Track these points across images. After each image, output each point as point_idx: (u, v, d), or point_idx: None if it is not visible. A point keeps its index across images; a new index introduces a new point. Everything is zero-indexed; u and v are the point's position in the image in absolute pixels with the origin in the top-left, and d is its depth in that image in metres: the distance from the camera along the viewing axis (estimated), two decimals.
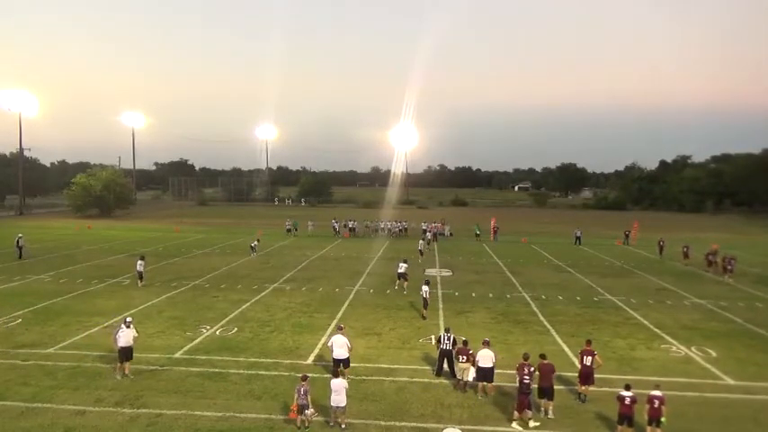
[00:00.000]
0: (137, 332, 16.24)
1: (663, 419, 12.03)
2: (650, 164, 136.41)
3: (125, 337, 15.56)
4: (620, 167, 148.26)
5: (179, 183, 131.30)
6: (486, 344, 15.19)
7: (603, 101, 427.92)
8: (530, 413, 13.03)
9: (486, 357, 14.67)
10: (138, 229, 59.13)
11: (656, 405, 12.06)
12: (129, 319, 16.25)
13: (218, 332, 20.13)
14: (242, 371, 16.16)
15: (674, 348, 18.96)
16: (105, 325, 20.59)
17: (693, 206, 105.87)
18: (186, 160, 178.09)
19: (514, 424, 12.91)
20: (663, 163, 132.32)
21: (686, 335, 20.56)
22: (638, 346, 19.10)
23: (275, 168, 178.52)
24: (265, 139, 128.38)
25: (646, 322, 22.30)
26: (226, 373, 15.91)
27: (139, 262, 28.13)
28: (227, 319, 21.96)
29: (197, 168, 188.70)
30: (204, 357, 17.31)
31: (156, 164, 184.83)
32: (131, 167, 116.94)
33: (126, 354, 15.52)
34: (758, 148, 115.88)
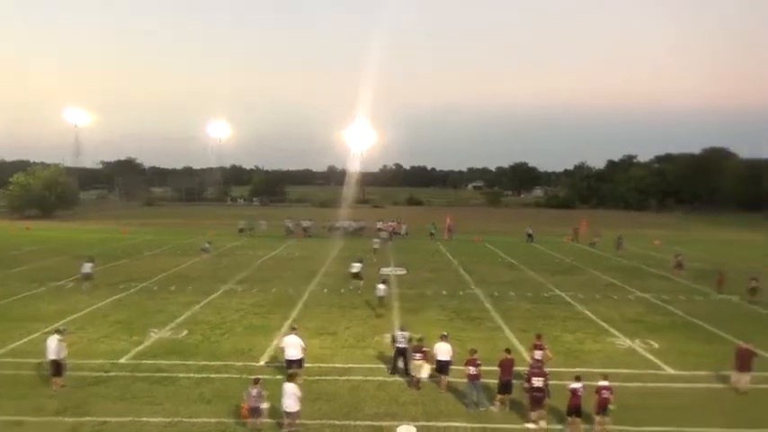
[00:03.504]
0: (65, 348, 14.80)
1: (611, 407, 12.46)
2: (598, 163, 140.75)
3: (54, 349, 14.42)
4: (570, 167, 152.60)
5: (126, 182, 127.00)
6: (444, 338, 15.49)
7: (554, 101, 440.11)
8: (542, 412, 13.00)
9: (443, 350, 14.95)
10: (83, 231, 56.86)
11: (604, 395, 12.47)
12: (61, 329, 15.47)
13: (167, 335, 19.56)
14: (192, 374, 15.75)
15: (620, 341, 19.64)
16: (46, 330, 19.62)
17: (638, 204, 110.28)
18: (134, 159, 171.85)
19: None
20: (610, 162, 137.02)
21: (631, 328, 21.32)
22: (586, 340, 19.69)
23: (228, 167, 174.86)
24: (218, 137, 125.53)
25: (593, 317, 23.00)
26: (175, 378, 15.47)
27: (87, 264, 27.03)
28: (176, 321, 21.37)
29: (145, 167, 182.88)
30: (152, 362, 16.77)
31: (103, 162, 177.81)
32: (75, 166, 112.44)
33: (56, 368, 14.45)
34: (698, 149, 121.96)
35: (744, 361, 15.00)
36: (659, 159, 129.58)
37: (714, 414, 13.65)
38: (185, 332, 19.95)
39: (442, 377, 14.91)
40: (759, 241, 54.33)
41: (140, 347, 18.15)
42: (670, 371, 16.72)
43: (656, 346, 19.08)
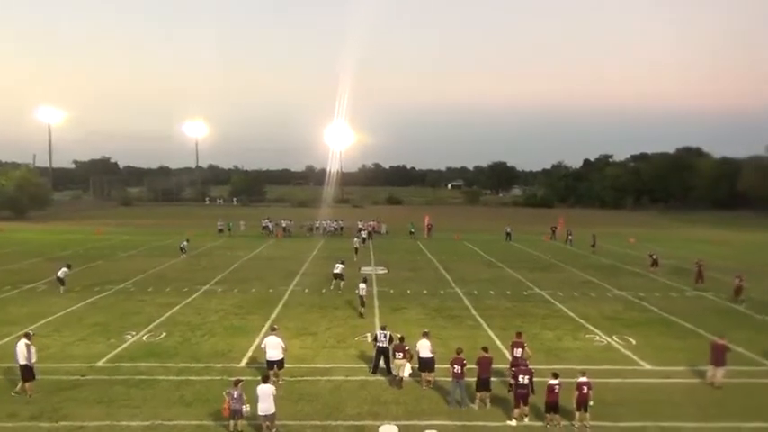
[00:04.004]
0: (34, 352, 14.30)
1: (591, 403, 12.66)
2: (575, 163, 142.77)
3: (21, 352, 13.98)
4: (548, 166, 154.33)
5: (101, 182, 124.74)
6: (426, 335, 15.57)
7: (532, 101, 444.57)
8: (526, 409, 13.15)
9: (425, 347, 15.04)
10: (56, 232, 55.71)
11: (584, 391, 12.64)
12: (30, 332, 15.12)
13: (144, 338, 19.27)
14: (171, 377, 15.54)
15: (598, 338, 19.92)
16: (18, 334, 19.17)
17: (614, 203, 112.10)
18: (109, 158, 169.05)
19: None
20: (587, 162, 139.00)
21: (608, 325, 21.64)
22: (565, 337, 19.93)
23: (206, 167, 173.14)
24: (195, 136, 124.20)
25: (572, 314, 23.29)
26: (153, 380, 15.24)
27: (63, 269, 26.51)
28: (154, 323, 21.06)
29: (121, 167, 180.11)
30: (130, 364, 16.51)
31: (76, 162, 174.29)
32: (48, 166, 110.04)
33: (25, 372, 13.99)
34: (672, 148, 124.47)
35: (718, 356, 15.32)
36: (634, 159, 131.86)
37: (690, 408, 13.92)
38: (164, 334, 19.67)
39: (425, 374, 14.98)
40: (732, 239, 55.60)
41: (118, 350, 17.85)
42: (647, 366, 17.01)
43: (633, 342, 19.39)
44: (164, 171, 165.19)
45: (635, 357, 17.79)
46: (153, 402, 13.79)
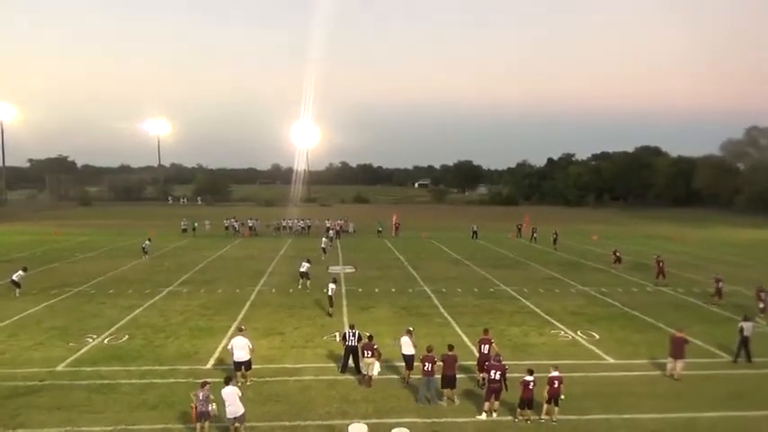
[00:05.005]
0: None
1: (562, 397, 12.94)
2: (539, 161, 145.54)
3: None
4: (513, 165, 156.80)
5: (58, 181, 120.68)
6: (409, 332, 15.70)
7: (497, 101, 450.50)
8: (496, 404, 13.27)
9: (407, 344, 15.23)
10: (11, 233, 53.69)
11: (555, 385, 12.87)
12: None
13: (106, 341, 18.73)
14: (134, 380, 15.15)
15: (563, 333, 20.31)
16: None
17: (577, 200, 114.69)
18: (66, 156, 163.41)
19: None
20: (550, 160, 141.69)
21: (573, 320, 22.10)
22: (531, 333, 20.25)
23: (168, 165, 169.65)
24: (157, 134, 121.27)
25: (537, 310, 23.69)
26: (116, 384, 14.82)
27: (18, 273, 25.53)
28: (116, 326, 20.50)
29: (78, 165, 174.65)
30: (90, 369, 16.02)
31: (31, 160, 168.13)
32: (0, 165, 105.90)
33: None
34: (632, 147, 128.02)
35: (677, 348, 15.80)
36: (596, 157, 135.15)
37: (651, 400, 14.32)
38: (126, 337, 19.16)
39: (406, 370, 15.22)
40: (689, 235, 57.48)
41: (78, 354, 17.30)
42: (610, 360, 17.43)
43: (596, 336, 19.84)
44: (124, 169, 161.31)
45: (599, 351, 18.20)
46: (116, 407, 13.42)
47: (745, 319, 17.40)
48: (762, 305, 22.20)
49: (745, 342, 17.14)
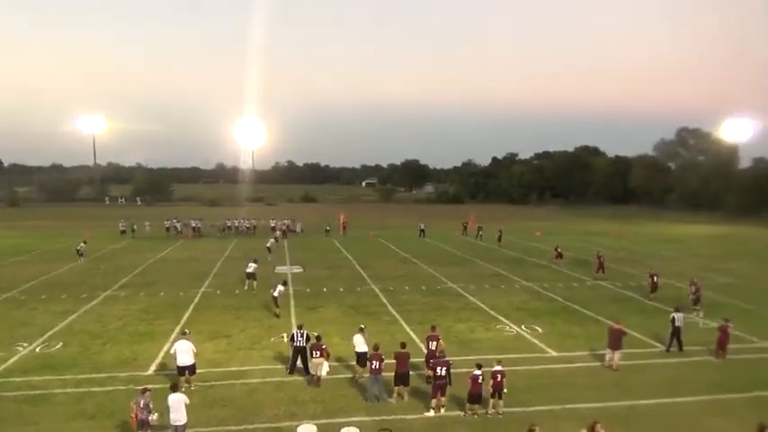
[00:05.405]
0: None
1: (505, 390, 13.21)
2: (484, 160, 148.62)
3: None
4: (458, 164, 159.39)
5: None
6: (361, 330, 15.80)
7: (443, 100, 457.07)
8: (443, 399, 13.38)
9: (360, 342, 15.34)
10: None
11: (498, 379, 13.12)
12: None
13: (38, 349, 17.75)
14: (70, 390, 14.42)
15: (508, 328, 20.78)
16: None
17: (520, 198, 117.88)
18: None
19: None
20: (495, 159, 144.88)
21: (517, 315, 22.64)
22: (477, 329, 20.62)
23: (105, 164, 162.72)
24: (92, 132, 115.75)
25: (483, 306, 24.14)
26: (49, 395, 14.07)
27: None
28: (49, 333, 19.46)
29: (6, 164, 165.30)
30: (21, 379, 15.13)
31: None
32: None
33: None
34: (572, 147, 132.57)
35: (615, 340, 16.45)
36: (538, 156, 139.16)
37: (591, 390, 14.86)
38: (60, 344, 18.22)
39: (358, 368, 15.22)
40: (626, 232, 60.02)
41: (7, 364, 16.31)
42: (553, 353, 17.96)
43: (540, 330, 20.41)
44: (56, 169, 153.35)
45: (542, 345, 18.72)
46: (50, 418, 12.73)
47: (677, 310, 18.29)
48: (693, 297, 23.41)
49: (677, 332, 18.03)
